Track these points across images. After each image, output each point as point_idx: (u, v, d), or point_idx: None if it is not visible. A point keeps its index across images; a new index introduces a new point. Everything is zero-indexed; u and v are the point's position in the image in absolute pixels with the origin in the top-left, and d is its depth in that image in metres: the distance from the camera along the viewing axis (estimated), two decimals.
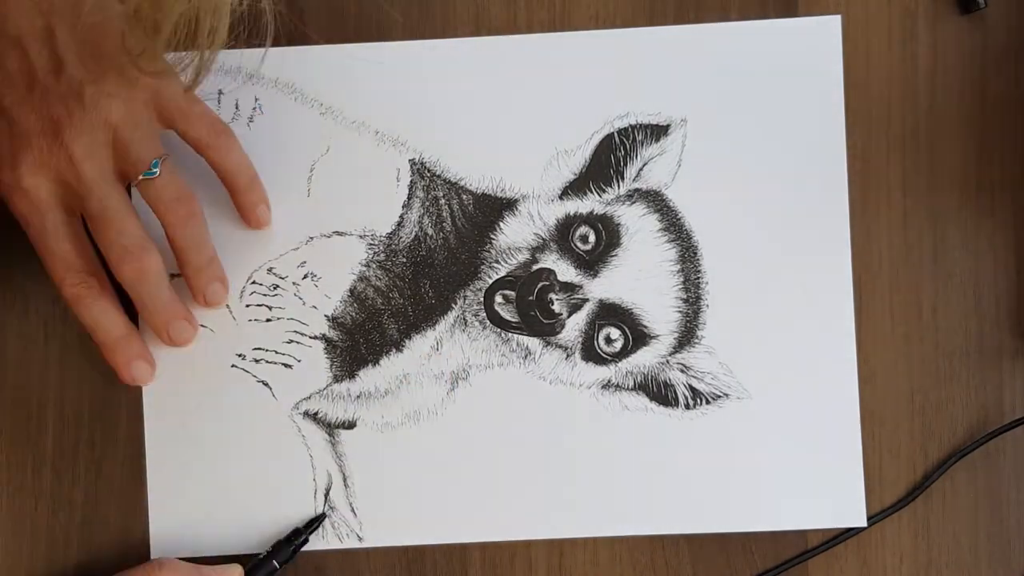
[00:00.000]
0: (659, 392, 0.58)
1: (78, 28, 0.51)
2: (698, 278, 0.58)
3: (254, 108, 0.58)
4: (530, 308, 0.58)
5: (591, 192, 0.58)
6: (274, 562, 0.56)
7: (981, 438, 0.57)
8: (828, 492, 0.57)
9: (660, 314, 0.58)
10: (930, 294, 0.58)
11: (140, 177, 0.53)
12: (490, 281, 0.58)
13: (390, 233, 0.58)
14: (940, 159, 0.58)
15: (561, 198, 0.58)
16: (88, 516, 0.58)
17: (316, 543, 0.57)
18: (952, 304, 0.58)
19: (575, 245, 0.58)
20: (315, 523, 0.57)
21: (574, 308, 0.58)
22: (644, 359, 0.58)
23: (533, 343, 0.58)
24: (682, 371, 0.58)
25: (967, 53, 0.58)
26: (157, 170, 0.53)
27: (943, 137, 0.58)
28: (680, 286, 0.58)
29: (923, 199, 0.58)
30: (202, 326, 0.58)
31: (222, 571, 0.55)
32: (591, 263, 0.58)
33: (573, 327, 0.58)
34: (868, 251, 0.58)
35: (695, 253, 0.58)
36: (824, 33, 0.58)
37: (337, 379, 0.58)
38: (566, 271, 0.58)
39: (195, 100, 0.54)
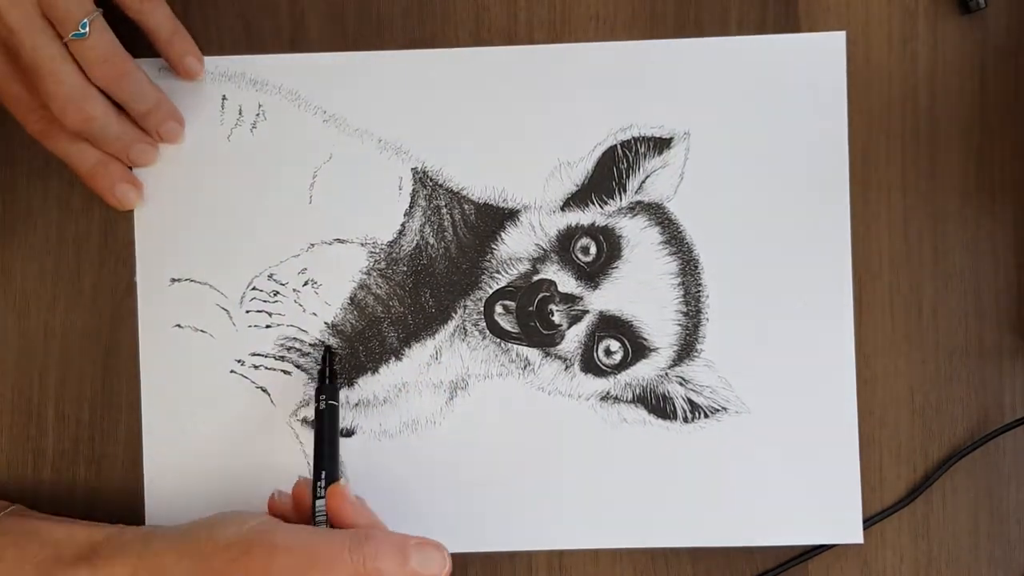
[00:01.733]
0: (658, 405, 0.58)
1: None
2: (698, 292, 0.58)
3: (257, 114, 0.58)
4: (530, 319, 0.58)
5: (593, 204, 0.58)
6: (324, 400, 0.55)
7: (981, 438, 0.57)
8: (825, 508, 0.57)
9: (660, 327, 0.58)
10: (930, 294, 0.58)
11: (69, 37, 0.52)
12: (490, 291, 0.58)
13: (391, 241, 0.58)
14: (940, 159, 0.58)
15: (563, 209, 0.58)
16: (88, 517, 0.57)
17: None
18: (952, 304, 0.58)
19: (576, 256, 0.58)
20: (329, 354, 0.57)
21: (574, 319, 0.58)
22: (643, 372, 0.58)
23: (533, 354, 0.58)
24: (681, 384, 0.58)
25: (967, 53, 0.58)
26: (86, 30, 0.52)
27: (943, 137, 0.58)
28: (680, 299, 0.58)
29: (923, 199, 0.58)
30: (201, 331, 0.58)
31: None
32: (592, 275, 0.58)
33: (573, 338, 0.58)
34: (868, 251, 0.58)
35: (696, 267, 0.58)
36: (829, 49, 0.58)
37: None
38: (567, 282, 0.58)
39: None
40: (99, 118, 0.54)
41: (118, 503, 0.58)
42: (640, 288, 0.58)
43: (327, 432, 0.54)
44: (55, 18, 0.52)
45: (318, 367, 0.57)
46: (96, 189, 0.56)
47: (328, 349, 0.57)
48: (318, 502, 0.52)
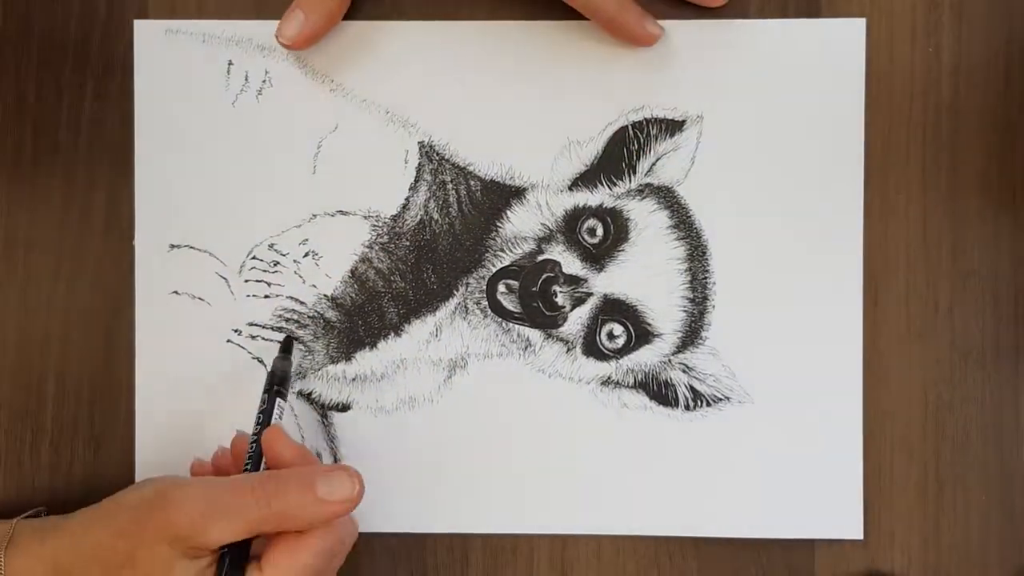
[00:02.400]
0: (659, 391, 0.57)
1: None
2: (706, 278, 0.57)
3: (263, 81, 0.57)
4: (533, 299, 0.57)
5: (601, 185, 0.57)
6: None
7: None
8: (826, 503, 0.56)
9: (665, 312, 0.57)
10: (947, 292, 0.57)
11: None
12: (494, 270, 0.57)
13: (395, 215, 0.57)
14: (961, 155, 0.57)
15: (571, 189, 0.57)
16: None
17: None
18: (969, 303, 0.57)
19: (582, 238, 0.57)
20: (288, 348, 0.56)
21: (578, 301, 0.57)
22: (646, 357, 0.57)
23: (534, 335, 0.57)
24: (684, 371, 0.57)
25: (993, 45, 0.57)
26: None
27: (965, 133, 0.57)
28: (687, 285, 0.57)
29: (943, 196, 0.57)
30: (199, 299, 0.57)
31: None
32: (597, 257, 0.57)
33: (576, 321, 0.57)
34: (885, 247, 0.57)
35: (704, 252, 0.57)
36: (848, 36, 0.57)
37: (333, 360, 0.57)
38: (571, 263, 0.57)
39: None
40: None
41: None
42: (646, 272, 0.57)
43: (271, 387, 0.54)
44: None
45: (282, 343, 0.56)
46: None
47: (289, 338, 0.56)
48: (251, 447, 0.51)
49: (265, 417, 0.53)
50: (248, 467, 0.51)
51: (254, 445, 0.51)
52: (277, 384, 0.54)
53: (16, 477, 0.57)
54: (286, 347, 0.56)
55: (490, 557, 0.57)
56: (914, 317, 0.57)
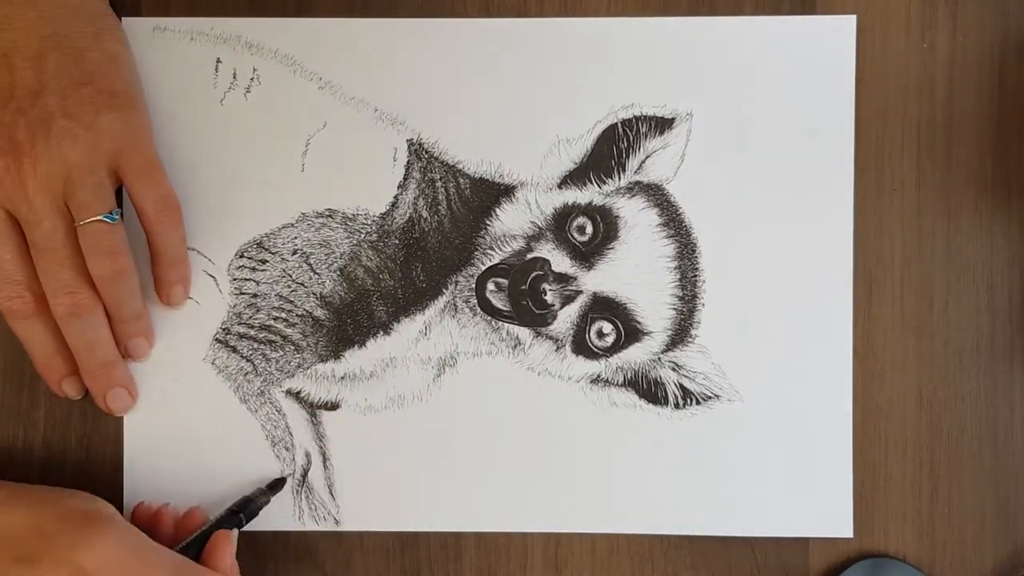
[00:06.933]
0: (649, 389, 0.57)
1: (68, 60, 0.52)
2: (695, 276, 0.57)
3: (252, 78, 0.57)
4: (522, 297, 0.57)
5: (591, 183, 0.57)
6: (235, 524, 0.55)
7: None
8: (816, 501, 0.56)
9: (654, 310, 0.57)
10: (942, 289, 0.57)
11: (81, 222, 0.52)
12: (483, 268, 0.57)
13: (384, 213, 0.57)
14: (956, 151, 0.57)
15: (560, 187, 0.57)
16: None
17: (292, 524, 0.56)
18: (964, 300, 0.57)
19: (572, 236, 0.57)
20: (276, 487, 0.56)
21: (567, 300, 0.57)
22: (635, 355, 0.57)
23: (523, 333, 0.57)
24: (673, 369, 0.57)
25: (987, 40, 0.57)
26: (117, 218, 0.52)
27: (960, 128, 0.57)
28: (676, 283, 0.57)
29: (938, 191, 0.57)
30: (187, 297, 0.57)
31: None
32: (587, 255, 0.57)
33: (565, 319, 0.57)
34: (880, 243, 0.57)
35: (693, 250, 0.57)
36: (838, 33, 0.57)
37: (322, 359, 0.57)
38: (561, 262, 0.57)
39: (155, 168, 0.54)
40: (87, 310, 0.53)
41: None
42: (636, 270, 0.57)
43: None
44: (74, 203, 0.51)
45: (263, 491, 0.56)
46: (45, 379, 0.55)
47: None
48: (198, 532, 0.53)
49: (224, 518, 0.54)
50: (183, 546, 0.52)
51: (201, 533, 0.53)
52: (246, 512, 0.54)
53: (8, 474, 0.57)
54: (274, 486, 0.56)
55: (483, 555, 0.57)
56: (909, 313, 0.57)
